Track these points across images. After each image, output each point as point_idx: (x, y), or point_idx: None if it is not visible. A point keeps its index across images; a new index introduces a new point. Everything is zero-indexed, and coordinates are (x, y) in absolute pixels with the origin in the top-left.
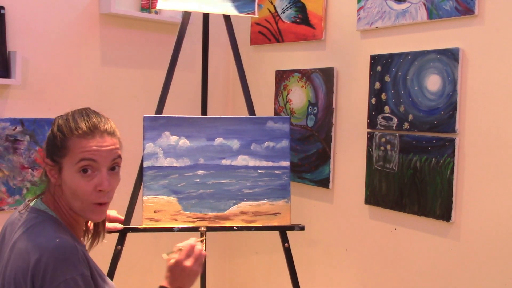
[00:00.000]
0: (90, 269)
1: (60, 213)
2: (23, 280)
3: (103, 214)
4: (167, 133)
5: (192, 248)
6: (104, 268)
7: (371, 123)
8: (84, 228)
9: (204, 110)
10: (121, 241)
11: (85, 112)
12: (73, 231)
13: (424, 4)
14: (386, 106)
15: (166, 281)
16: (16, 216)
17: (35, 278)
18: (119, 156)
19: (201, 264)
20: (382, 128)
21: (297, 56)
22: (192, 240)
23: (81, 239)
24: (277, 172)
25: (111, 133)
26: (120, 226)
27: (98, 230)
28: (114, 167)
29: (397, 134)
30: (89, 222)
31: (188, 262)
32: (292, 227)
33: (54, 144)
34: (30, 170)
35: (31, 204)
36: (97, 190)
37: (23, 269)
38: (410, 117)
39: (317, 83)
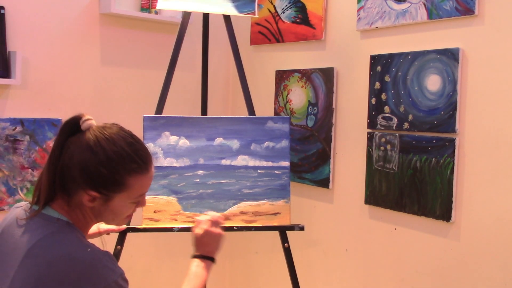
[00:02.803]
0: None
1: (76, 220)
2: None
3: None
4: (167, 133)
5: (216, 218)
6: None
7: (371, 123)
8: None
9: (204, 110)
10: (121, 241)
11: (130, 142)
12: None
13: (424, 4)
14: (386, 106)
15: (198, 250)
16: (18, 223)
17: None
18: None
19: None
20: (382, 128)
21: (297, 56)
22: (212, 213)
23: None
24: (277, 172)
25: (153, 158)
26: (123, 226)
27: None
28: None
29: (397, 134)
30: None
31: (215, 229)
32: (292, 227)
33: (105, 178)
34: (30, 170)
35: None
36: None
37: (53, 280)
38: (410, 117)
39: (317, 83)
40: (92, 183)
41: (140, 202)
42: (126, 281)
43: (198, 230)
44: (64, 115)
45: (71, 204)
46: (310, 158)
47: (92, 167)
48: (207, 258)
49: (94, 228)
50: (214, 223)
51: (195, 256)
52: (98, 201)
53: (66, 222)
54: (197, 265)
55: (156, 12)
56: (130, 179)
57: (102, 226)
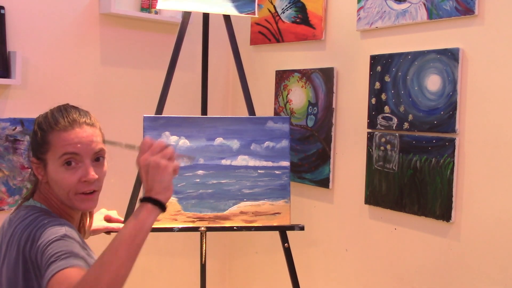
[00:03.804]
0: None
1: (53, 208)
2: (23, 260)
3: (92, 202)
4: (167, 133)
5: (144, 143)
6: None
7: (371, 123)
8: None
9: (204, 110)
10: None
11: (64, 108)
12: None
13: (424, 4)
14: (386, 106)
15: (145, 190)
16: (9, 219)
17: (29, 250)
18: (102, 148)
19: (161, 153)
20: (382, 128)
21: (297, 56)
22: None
23: None
24: (277, 172)
25: (90, 124)
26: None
27: (83, 222)
28: (98, 158)
29: (397, 134)
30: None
31: (163, 160)
32: (292, 227)
33: (36, 142)
34: (30, 170)
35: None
36: (82, 181)
37: (17, 253)
38: (410, 117)
39: (317, 83)
40: (32, 150)
41: (76, 168)
42: (73, 236)
43: (141, 160)
44: None
45: (41, 187)
46: (310, 158)
47: (31, 137)
48: (152, 201)
49: (95, 225)
50: (163, 151)
51: (142, 200)
52: (41, 169)
53: (41, 208)
54: (129, 221)
55: (156, 12)
56: (50, 136)
57: (102, 224)
